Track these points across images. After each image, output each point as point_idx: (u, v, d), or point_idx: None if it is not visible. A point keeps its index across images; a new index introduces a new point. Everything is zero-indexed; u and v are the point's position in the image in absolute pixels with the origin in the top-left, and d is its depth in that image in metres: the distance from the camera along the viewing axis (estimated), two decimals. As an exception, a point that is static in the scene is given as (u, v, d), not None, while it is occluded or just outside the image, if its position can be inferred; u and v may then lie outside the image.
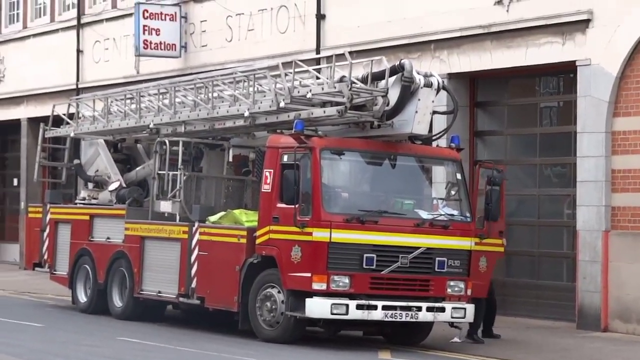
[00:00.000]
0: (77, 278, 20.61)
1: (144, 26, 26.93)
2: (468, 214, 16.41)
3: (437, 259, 15.90)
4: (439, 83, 15.88)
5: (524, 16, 19.28)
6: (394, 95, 15.63)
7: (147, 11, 26.98)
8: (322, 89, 16.11)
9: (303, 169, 15.58)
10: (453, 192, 16.57)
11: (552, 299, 19.91)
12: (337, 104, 15.90)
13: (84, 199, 21.68)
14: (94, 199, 21.41)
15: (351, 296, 15.49)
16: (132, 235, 19.13)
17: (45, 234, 21.88)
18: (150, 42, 27.08)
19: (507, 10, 19.37)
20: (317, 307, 15.33)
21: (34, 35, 33.73)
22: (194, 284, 17.48)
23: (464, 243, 16.20)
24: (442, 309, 15.98)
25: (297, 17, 23.98)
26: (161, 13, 27.13)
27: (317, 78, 16.88)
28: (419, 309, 15.78)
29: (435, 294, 16.05)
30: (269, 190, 16.16)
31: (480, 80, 21.25)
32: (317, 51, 22.99)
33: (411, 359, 15.77)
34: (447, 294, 16.12)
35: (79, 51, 31.52)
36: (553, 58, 19.25)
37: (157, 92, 19.41)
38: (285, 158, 15.90)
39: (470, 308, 16.27)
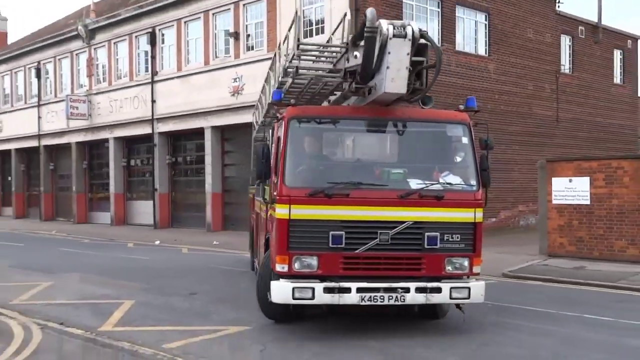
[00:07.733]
0: None
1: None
2: (474, 182, 14.21)
3: (426, 234, 13.82)
4: (414, 32, 13.04)
5: None
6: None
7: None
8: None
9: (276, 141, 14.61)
10: (459, 159, 14.41)
11: None
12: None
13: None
14: None
15: (322, 278, 13.81)
16: None
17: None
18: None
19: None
20: (279, 291, 13.83)
21: None
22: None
23: (465, 215, 13.99)
24: (438, 290, 13.88)
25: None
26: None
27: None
28: (406, 290, 13.76)
29: (429, 273, 13.95)
30: None
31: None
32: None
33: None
34: (447, 272, 13.99)
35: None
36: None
37: None
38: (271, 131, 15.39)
39: (478, 287, 14.06)
